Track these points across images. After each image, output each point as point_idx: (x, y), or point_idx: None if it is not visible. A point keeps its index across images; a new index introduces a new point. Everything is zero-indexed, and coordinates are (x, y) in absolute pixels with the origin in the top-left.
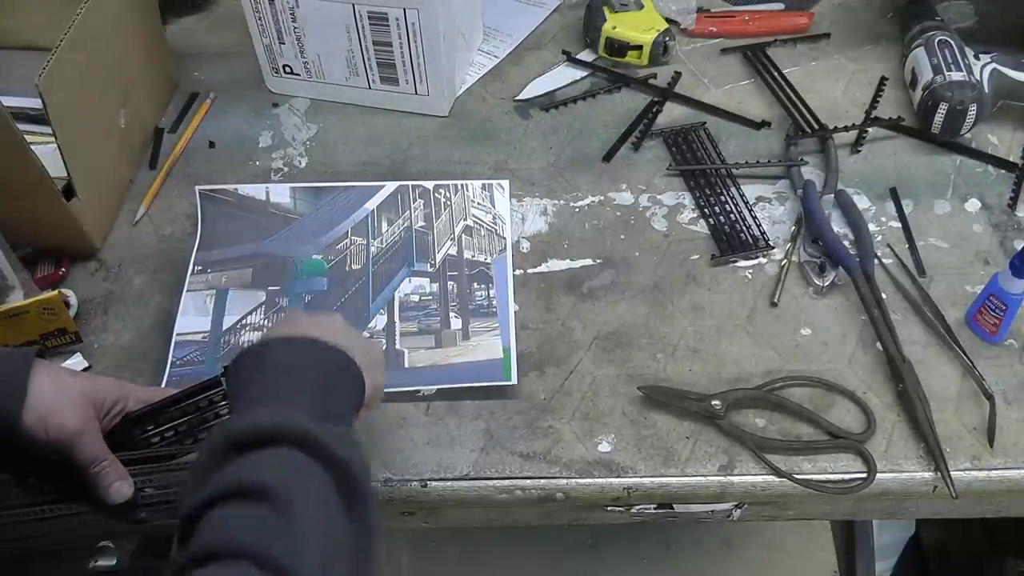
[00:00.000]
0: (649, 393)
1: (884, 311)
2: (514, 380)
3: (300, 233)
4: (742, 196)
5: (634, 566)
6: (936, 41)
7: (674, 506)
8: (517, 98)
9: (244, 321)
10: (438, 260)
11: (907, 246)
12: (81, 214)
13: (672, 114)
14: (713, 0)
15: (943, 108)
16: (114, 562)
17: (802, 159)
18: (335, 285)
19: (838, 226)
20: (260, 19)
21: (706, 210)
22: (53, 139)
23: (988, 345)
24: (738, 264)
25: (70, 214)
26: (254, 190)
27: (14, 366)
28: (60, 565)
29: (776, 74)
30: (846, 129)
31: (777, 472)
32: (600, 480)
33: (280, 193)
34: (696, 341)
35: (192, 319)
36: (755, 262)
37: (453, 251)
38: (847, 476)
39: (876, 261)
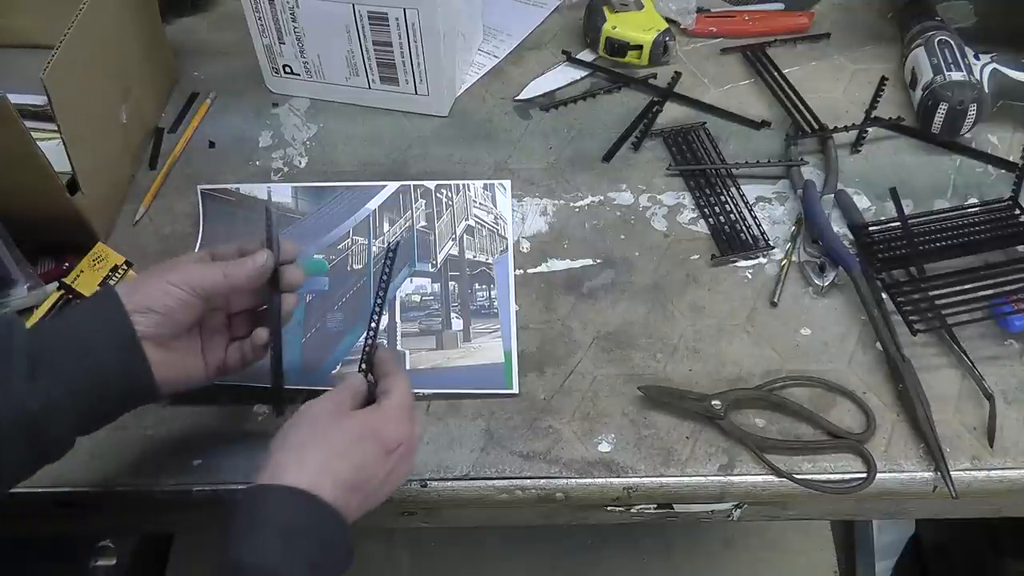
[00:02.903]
0: (649, 393)
1: (884, 311)
2: (515, 388)
3: (302, 233)
4: (742, 196)
5: (634, 566)
6: (936, 41)
7: (674, 506)
8: (517, 98)
9: None
10: (439, 260)
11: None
12: (85, 208)
13: (672, 114)
14: (713, 0)
15: (943, 108)
16: (114, 562)
17: (802, 159)
18: (337, 285)
19: (838, 226)
20: (260, 19)
21: (706, 210)
22: (55, 135)
23: (988, 345)
24: (738, 264)
25: (74, 208)
26: (255, 190)
27: (108, 314)
28: (60, 565)
29: (776, 74)
30: (846, 129)
31: (777, 472)
32: (600, 480)
33: (282, 193)
34: (696, 341)
35: None
36: (755, 262)
37: (454, 251)
38: (847, 476)
39: None
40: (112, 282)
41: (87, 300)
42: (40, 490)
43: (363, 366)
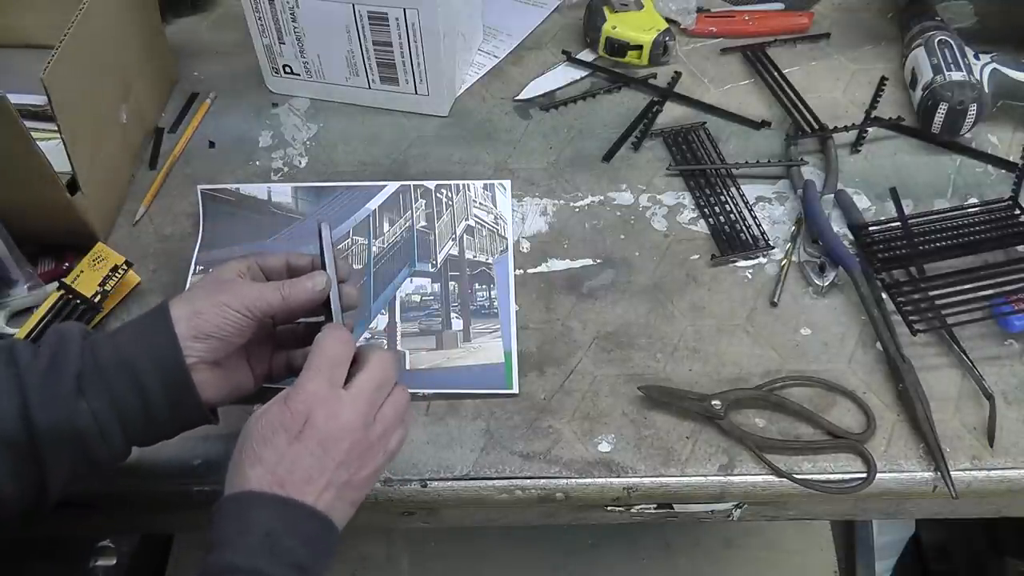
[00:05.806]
0: (649, 393)
1: (884, 311)
2: (515, 388)
3: (302, 233)
4: (742, 196)
5: (634, 566)
6: (936, 41)
7: (674, 506)
8: (517, 98)
9: None
10: (439, 260)
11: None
12: (85, 208)
13: (672, 114)
14: (713, 0)
15: (943, 108)
16: (114, 562)
17: (802, 159)
18: None
19: (838, 226)
20: (260, 19)
21: (706, 210)
22: (54, 135)
23: (988, 345)
24: (738, 264)
25: (74, 208)
26: (255, 190)
27: (160, 344)
28: (60, 565)
29: (776, 74)
30: (846, 129)
31: (777, 472)
32: (600, 480)
33: (282, 193)
34: (696, 341)
35: None
36: (755, 262)
37: (454, 251)
38: (847, 476)
39: None
40: (111, 282)
41: (139, 318)
42: None
43: None
